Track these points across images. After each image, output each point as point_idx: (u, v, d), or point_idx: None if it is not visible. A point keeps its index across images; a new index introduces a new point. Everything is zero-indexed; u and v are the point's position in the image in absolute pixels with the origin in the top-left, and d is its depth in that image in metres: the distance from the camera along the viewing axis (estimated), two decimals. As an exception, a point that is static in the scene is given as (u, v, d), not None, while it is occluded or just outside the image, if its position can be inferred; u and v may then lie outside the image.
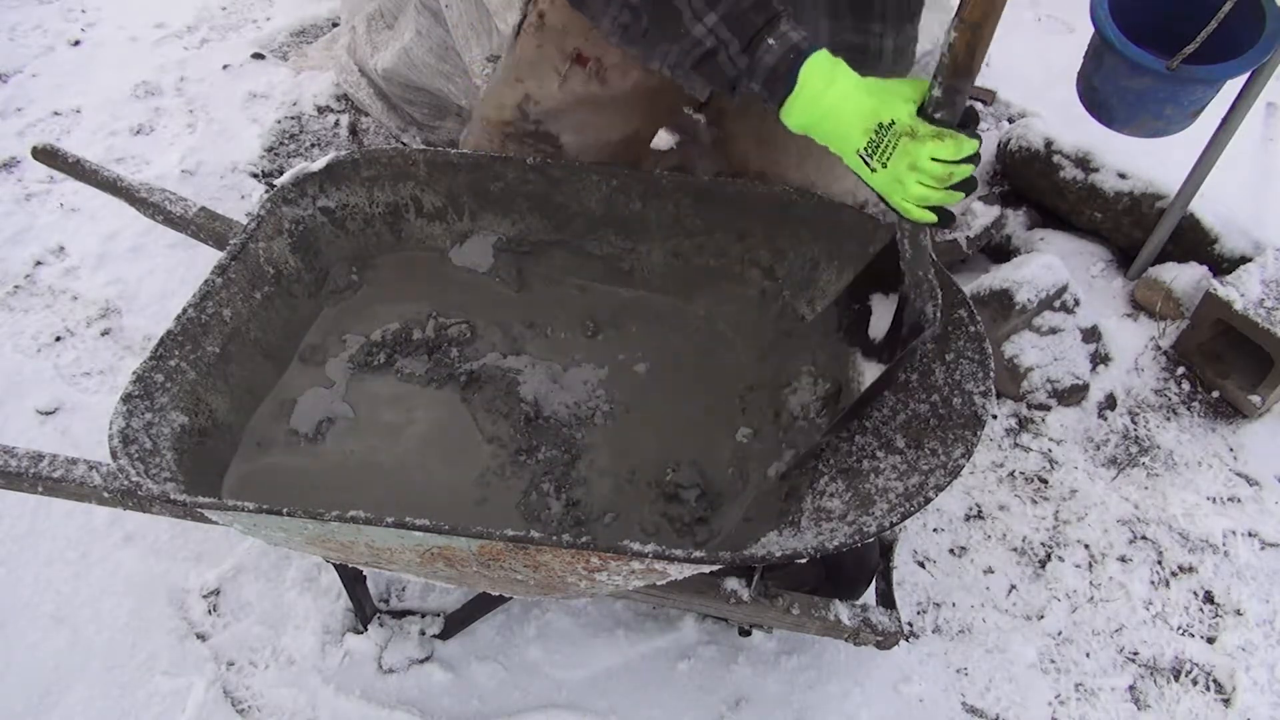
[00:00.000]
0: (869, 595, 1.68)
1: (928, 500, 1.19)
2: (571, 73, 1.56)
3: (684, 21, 1.20)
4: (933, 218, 1.17)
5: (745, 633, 1.82)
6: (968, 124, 1.13)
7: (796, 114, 1.20)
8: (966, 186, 1.15)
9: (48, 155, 1.78)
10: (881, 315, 1.45)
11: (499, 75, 1.69)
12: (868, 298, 1.48)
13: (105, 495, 1.41)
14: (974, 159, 1.14)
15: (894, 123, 1.13)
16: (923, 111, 1.13)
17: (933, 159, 1.12)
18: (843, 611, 1.48)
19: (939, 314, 1.29)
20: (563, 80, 1.57)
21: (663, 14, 1.23)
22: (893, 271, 1.37)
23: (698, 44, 1.22)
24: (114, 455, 1.26)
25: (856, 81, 1.17)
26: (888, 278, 1.43)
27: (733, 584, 1.45)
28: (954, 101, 1.12)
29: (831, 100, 1.17)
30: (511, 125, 1.69)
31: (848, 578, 1.66)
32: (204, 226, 1.78)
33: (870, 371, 1.43)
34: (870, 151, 1.16)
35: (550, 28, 1.56)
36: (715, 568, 1.17)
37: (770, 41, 1.17)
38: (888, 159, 1.15)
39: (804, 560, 1.15)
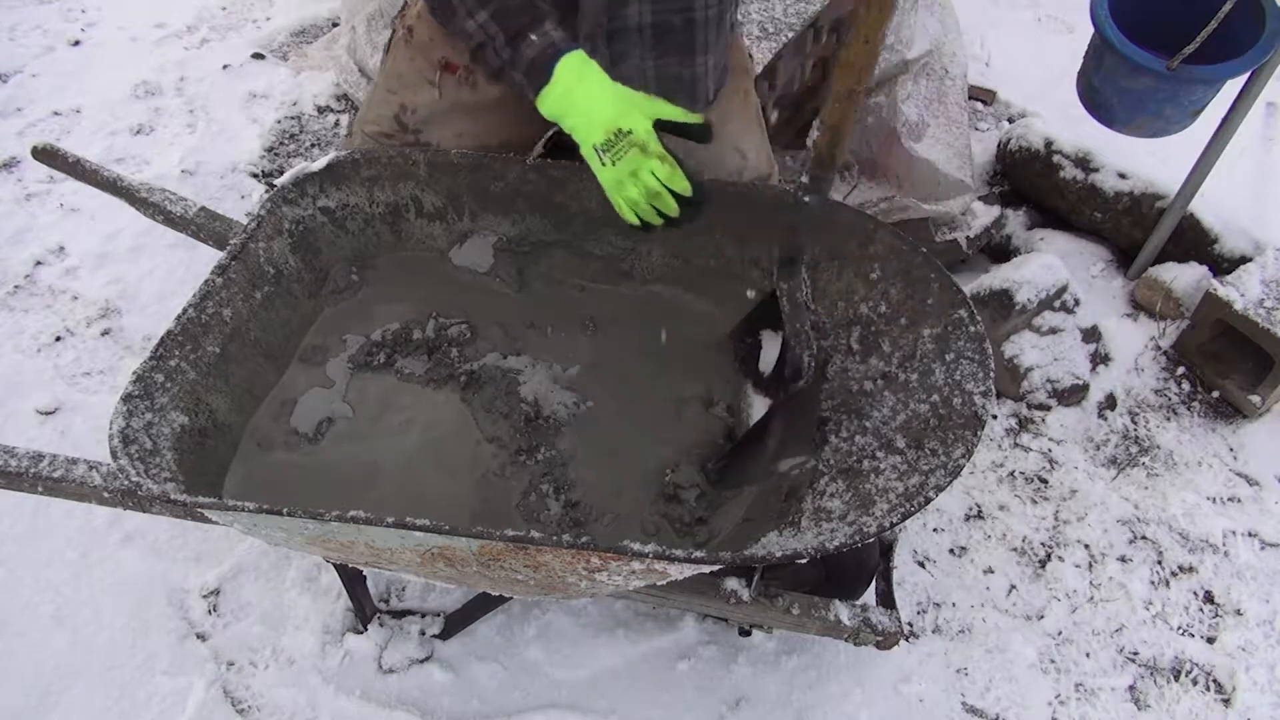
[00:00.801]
0: (869, 595, 1.68)
1: (928, 500, 1.19)
2: (444, 80, 1.66)
3: (459, 18, 1.38)
4: (635, 220, 1.39)
5: (745, 633, 1.82)
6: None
7: (549, 104, 1.36)
8: (669, 217, 1.38)
9: (48, 155, 1.78)
10: (770, 351, 1.58)
11: (373, 90, 1.77)
12: (759, 333, 1.61)
13: (105, 495, 1.41)
14: (686, 201, 1.36)
15: (630, 132, 1.33)
16: (660, 127, 1.35)
17: (652, 173, 1.33)
18: (843, 612, 1.48)
19: (813, 365, 1.44)
20: (437, 88, 1.67)
21: (441, 8, 1.41)
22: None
23: (469, 36, 1.39)
24: (114, 455, 1.26)
25: (605, 85, 1.35)
26: (777, 318, 1.54)
27: (733, 584, 1.45)
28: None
29: (579, 97, 1.34)
30: (391, 136, 1.74)
31: (848, 578, 1.66)
32: (204, 226, 1.78)
33: (759, 404, 1.56)
34: (604, 148, 1.34)
35: (419, 41, 1.65)
36: (715, 568, 1.17)
37: (532, 37, 1.34)
38: (618, 160, 1.34)
39: (804, 560, 1.15)
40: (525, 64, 1.35)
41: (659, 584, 1.31)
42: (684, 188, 1.35)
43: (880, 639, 1.49)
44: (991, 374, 1.33)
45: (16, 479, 1.39)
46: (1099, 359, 2.34)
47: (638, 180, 1.34)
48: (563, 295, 1.78)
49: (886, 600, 1.62)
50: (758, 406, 1.56)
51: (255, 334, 1.60)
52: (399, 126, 1.72)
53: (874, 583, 1.68)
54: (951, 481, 1.22)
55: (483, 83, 1.65)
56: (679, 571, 1.20)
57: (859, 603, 1.54)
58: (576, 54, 1.35)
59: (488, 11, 1.35)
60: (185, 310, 1.48)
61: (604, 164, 1.35)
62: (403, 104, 1.69)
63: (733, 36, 1.69)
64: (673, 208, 1.36)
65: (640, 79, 1.52)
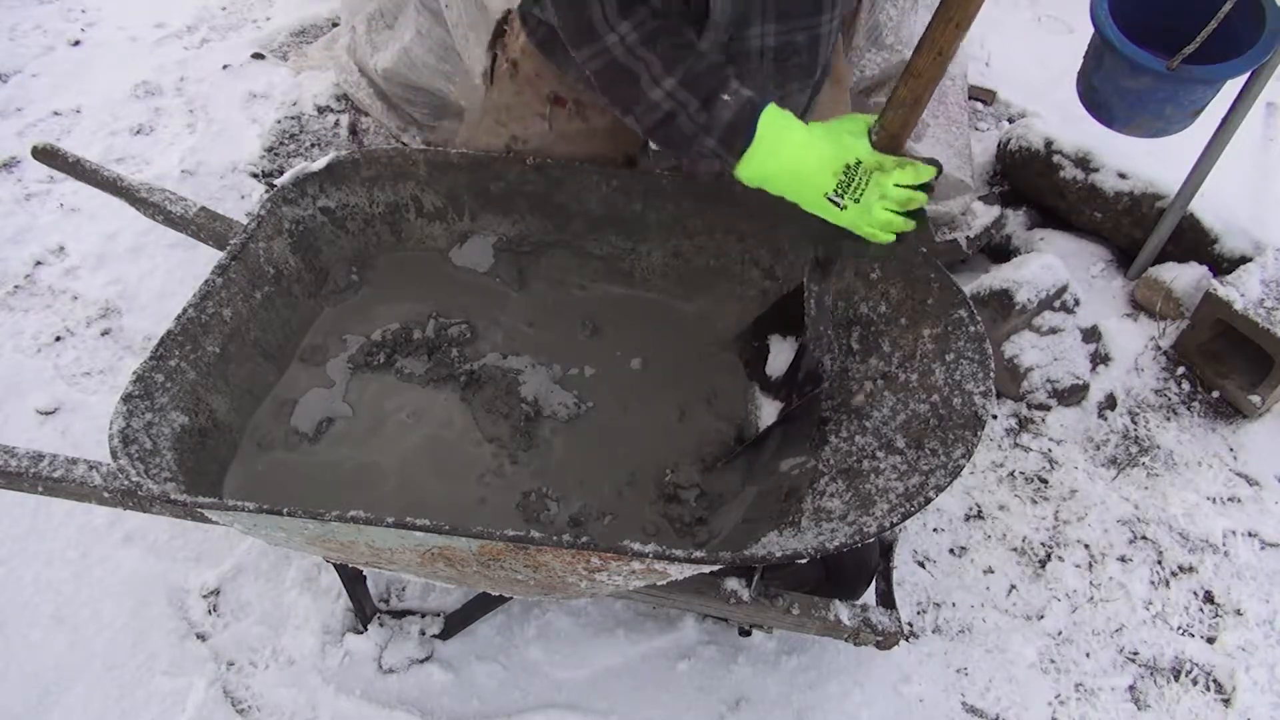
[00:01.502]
0: (869, 595, 1.68)
1: (928, 500, 1.19)
2: (554, 114, 1.65)
3: (641, 86, 1.26)
4: (893, 238, 1.27)
5: (745, 633, 1.82)
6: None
7: (755, 164, 1.25)
8: (918, 212, 1.26)
9: (48, 155, 1.77)
10: (778, 355, 1.57)
11: (480, 118, 1.76)
12: (766, 337, 1.60)
13: (105, 495, 1.41)
14: (929, 186, 1.25)
15: (859, 162, 1.22)
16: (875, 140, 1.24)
17: (897, 185, 1.22)
18: (843, 612, 1.48)
19: (833, 367, 1.43)
20: (548, 121, 1.66)
21: (620, 80, 1.27)
22: (794, 317, 1.50)
23: (655, 107, 1.26)
24: (114, 455, 1.26)
25: (810, 130, 1.24)
26: (788, 322, 1.52)
27: (733, 584, 1.45)
28: (902, 127, 1.22)
29: (790, 150, 1.23)
30: None
31: (848, 578, 1.66)
32: (204, 226, 1.78)
33: (768, 408, 1.55)
34: (840, 192, 1.23)
35: (525, 75, 1.64)
36: (715, 568, 1.17)
37: (726, 98, 1.23)
38: (860, 194, 1.23)
39: (804, 560, 1.15)
40: (723, 127, 1.24)
41: (659, 584, 1.31)
42: (931, 175, 1.24)
43: (880, 639, 1.49)
44: (991, 374, 1.33)
45: (16, 479, 1.39)
46: (1099, 359, 2.34)
47: (886, 199, 1.23)
48: (563, 295, 1.78)
49: (886, 600, 1.62)
50: (766, 409, 1.56)
51: (255, 334, 1.60)
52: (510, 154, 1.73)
53: (874, 583, 1.68)
54: (951, 481, 1.22)
55: (592, 114, 1.65)
56: (679, 571, 1.20)
57: (859, 603, 1.54)
58: (773, 107, 1.24)
59: (676, 78, 1.24)
60: (185, 310, 1.48)
61: (843, 207, 1.24)
62: (514, 135, 1.70)
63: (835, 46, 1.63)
64: (923, 199, 1.25)
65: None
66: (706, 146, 1.26)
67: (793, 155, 1.23)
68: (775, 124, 1.23)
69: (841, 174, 1.23)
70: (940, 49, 1.16)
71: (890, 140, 1.23)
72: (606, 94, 1.32)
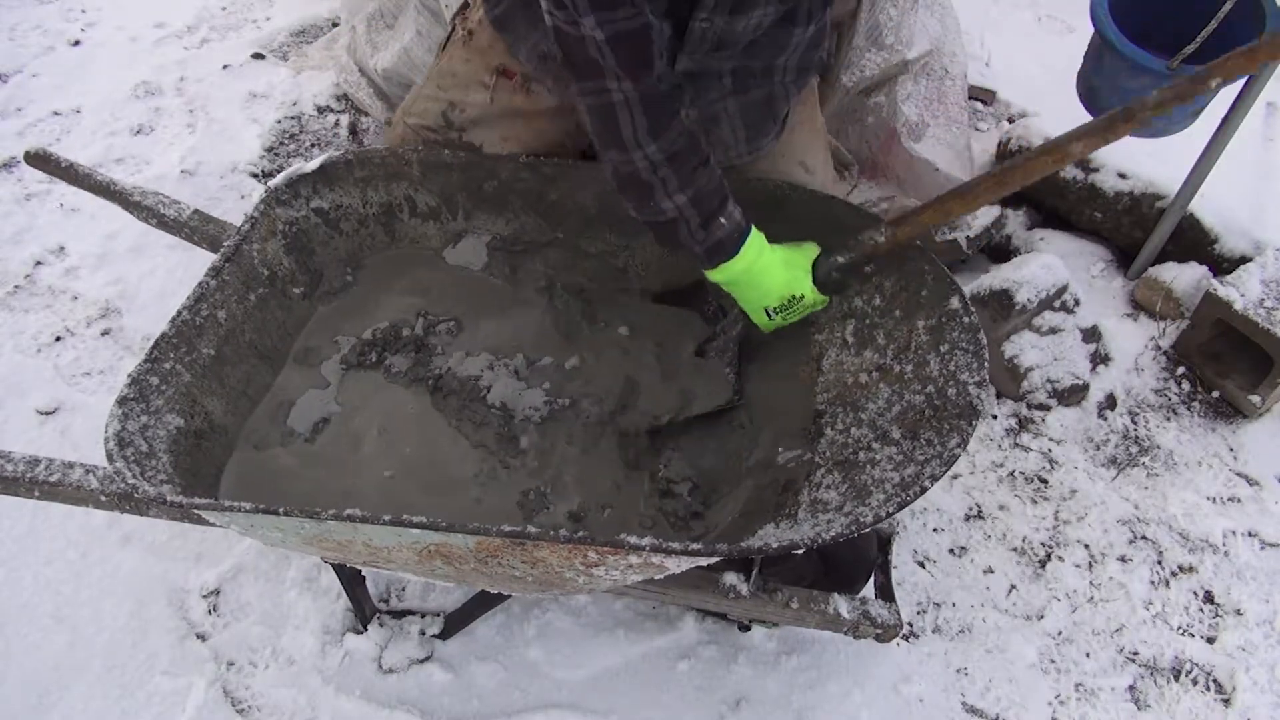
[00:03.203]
0: (868, 590, 1.68)
1: (924, 490, 1.20)
2: (498, 85, 1.67)
3: (655, 196, 1.38)
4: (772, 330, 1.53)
5: (745, 628, 1.82)
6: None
7: (726, 274, 1.44)
8: None
9: (40, 160, 1.77)
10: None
11: (422, 84, 1.77)
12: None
13: (102, 499, 1.41)
14: None
15: (803, 296, 1.46)
16: (820, 267, 1.46)
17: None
18: (842, 605, 1.48)
19: (733, 381, 1.62)
20: (490, 91, 1.67)
21: (636, 187, 1.39)
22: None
23: (662, 213, 1.40)
24: (110, 458, 1.26)
25: (775, 256, 1.45)
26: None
27: (731, 579, 1.46)
28: (853, 273, 1.47)
29: (759, 270, 1.44)
30: (435, 132, 1.75)
31: (846, 572, 1.66)
32: (197, 229, 1.78)
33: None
34: (777, 310, 1.47)
35: (478, 44, 1.66)
36: (713, 560, 1.17)
37: (722, 220, 1.40)
38: (787, 317, 1.49)
39: (801, 551, 1.15)
40: (713, 243, 1.41)
41: (657, 579, 1.31)
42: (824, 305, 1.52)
43: (880, 632, 1.49)
44: (986, 364, 1.33)
45: (12, 484, 1.39)
46: (1099, 359, 2.34)
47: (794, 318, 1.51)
48: (558, 293, 1.78)
49: (885, 593, 1.62)
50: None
51: (250, 335, 1.60)
52: (445, 123, 1.73)
53: (873, 577, 1.68)
54: (947, 471, 1.22)
55: (538, 90, 1.66)
56: (676, 565, 1.20)
57: (858, 596, 1.54)
58: (755, 233, 1.43)
59: (687, 196, 1.37)
60: (180, 313, 1.47)
61: (771, 318, 1.49)
62: (452, 102, 1.70)
63: None
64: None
65: (722, 109, 1.57)
66: (693, 250, 1.43)
67: (759, 275, 1.44)
68: (754, 247, 1.42)
69: (785, 300, 1.46)
70: (975, 205, 1.40)
71: (894, 245, 1.43)
72: (620, 190, 1.44)
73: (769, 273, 1.44)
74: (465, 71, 1.68)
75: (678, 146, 1.35)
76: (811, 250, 1.48)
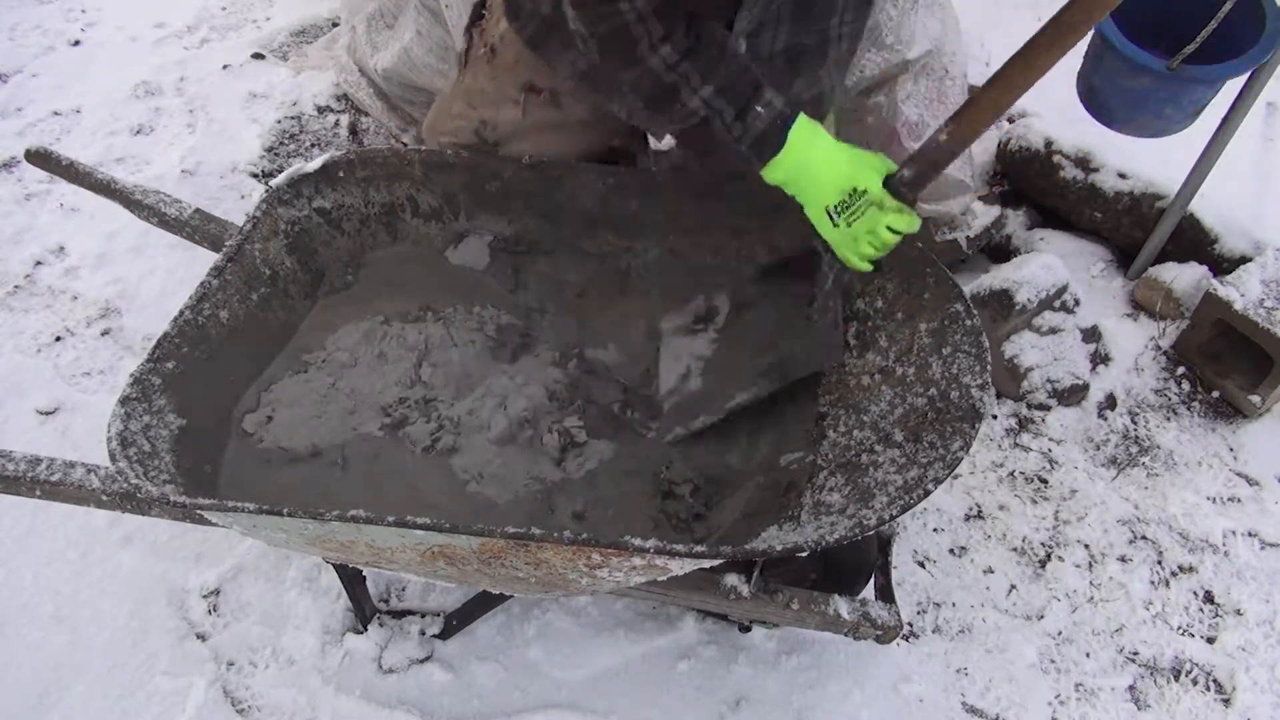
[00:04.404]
0: (868, 592, 1.68)
1: (927, 493, 1.20)
2: (528, 101, 1.65)
3: (681, 95, 1.31)
4: (870, 267, 1.38)
5: (745, 628, 1.82)
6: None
7: (781, 171, 1.34)
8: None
9: (41, 158, 1.77)
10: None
11: (451, 101, 1.76)
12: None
13: (104, 498, 1.41)
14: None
15: (866, 191, 1.31)
16: (888, 183, 1.32)
17: (889, 228, 1.32)
18: (842, 606, 1.48)
19: (840, 344, 1.51)
20: (522, 108, 1.65)
21: (661, 93, 1.33)
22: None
23: (693, 114, 1.32)
24: (113, 458, 1.26)
25: (834, 144, 1.33)
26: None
27: (733, 580, 1.46)
28: (920, 186, 1.32)
29: (814, 160, 1.32)
30: (468, 148, 1.74)
31: (847, 574, 1.66)
32: (199, 228, 1.77)
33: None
34: (839, 210, 1.33)
35: (503, 62, 1.64)
36: (717, 562, 1.18)
37: (759, 109, 1.30)
38: (853, 220, 1.33)
39: (804, 554, 1.15)
40: (755, 136, 1.31)
41: (659, 580, 1.31)
42: (917, 227, 1.35)
43: (880, 633, 1.49)
44: (988, 367, 1.33)
45: (14, 483, 1.39)
46: (1099, 359, 2.34)
47: (875, 236, 1.34)
48: (559, 294, 1.78)
49: (885, 595, 1.62)
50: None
51: (252, 335, 1.60)
52: (478, 139, 1.73)
53: (873, 579, 1.68)
54: (950, 474, 1.22)
55: (569, 103, 1.65)
56: (679, 566, 1.21)
57: (858, 598, 1.54)
58: (803, 118, 1.33)
59: (712, 86, 1.30)
60: (182, 313, 1.47)
61: (836, 224, 1.35)
62: (484, 120, 1.69)
63: None
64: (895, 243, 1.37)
65: None
66: (738, 151, 1.33)
67: (813, 163, 1.32)
68: (804, 135, 1.31)
69: (846, 195, 1.31)
70: (1033, 78, 1.23)
71: (958, 142, 1.29)
72: (648, 106, 1.37)
73: (826, 163, 1.32)
74: (493, 89, 1.67)
75: (690, 42, 1.29)
76: (879, 157, 1.36)
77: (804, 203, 1.36)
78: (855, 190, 1.31)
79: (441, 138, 1.76)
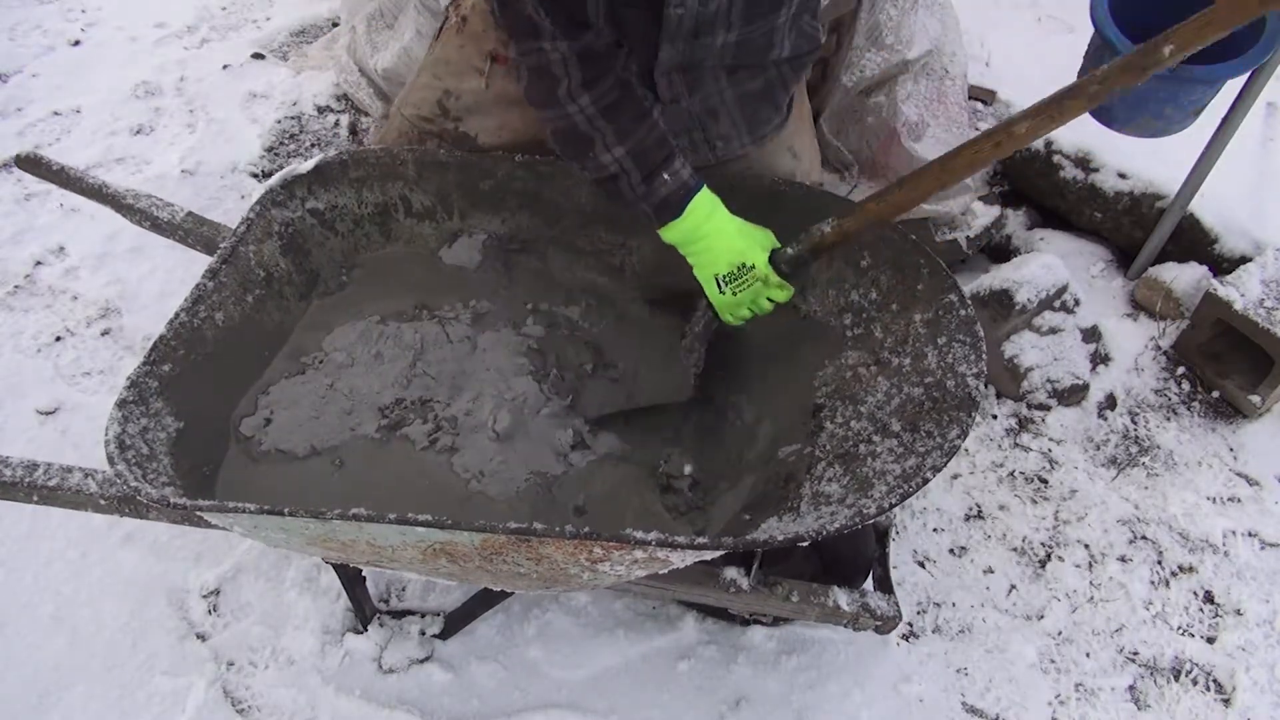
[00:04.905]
0: (867, 586, 1.69)
1: (926, 481, 1.20)
2: (492, 71, 1.66)
3: (595, 149, 1.38)
4: (739, 323, 1.50)
5: (745, 622, 1.82)
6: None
7: (677, 234, 1.43)
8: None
9: (31, 164, 1.76)
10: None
11: (418, 74, 1.76)
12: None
13: (102, 502, 1.40)
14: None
15: (754, 267, 1.42)
16: (772, 259, 1.43)
17: (768, 299, 1.45)
18: (841, 597, 1.48)
19: (694, 382, 1.58)
20: (485, 78, 1.67)
21: (575, 141, 1.41)
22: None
23: (604, 168, 1.40)
24: (111, 461, 1.26)
25: (730, 221, 1.43)
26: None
27: (732, 573, 1.46)
28: (802, 267, 1.44)
29: (709, 231, 1.41)
30: (431, 122, 1.74)
31: (845, 569, 1.66)
32: (191, 231, 1.77)
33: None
34: (727, 280, 1.43)
35: (471, 30, 1.65)
36: (718, 554, 1.18)
37: (665, 176, 1.38)
38: (739, 290, 1.44)
39: (806, 544, 1.15)
40: (658, 200, 1.39)
41: (660, 574, 1.31)
42: (790, 297, 1.47)
43: (879, 623, 1.49)
44: (983, 355, 1.34)
45: (10, 489, 1.39)
46: (1099, 359, 2.34)
47: (756, 305, 1.46)
48: (553, 291, 1.78)
49: (884, 586, 1.62)
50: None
51: (247, 336, 1.59)
52: (441, 111, 1.72)
53: (870, 572, 1.68)
54: (948, 462, 1.22)
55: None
56: (681, 559, 1.21)
57: (857, 590, 1.55)
58: (705, 192, 1.41)
59: (625, 148, 1.37)
60: (178, 315, 1.47)
61: (723, 291, 1.45)
62: (447, 90, 1.70)
63: None
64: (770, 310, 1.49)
65: (720, 102, 1.55)
66: (639, 209, 1.42)
67: (709, 237, 1.42)
68: (703, 207, 1.40)
69: (735, 268, 1.42)
70: (921, 197, 1.36)
71: (840, 237, 1.41)
72: (560, 148, 1.45)
73: (720, 235, 1.41)
74: (459, 58, 1.68)
75: (611, 99, 1.36)
76: (766, 234, 1.46)
77: (695, 265, 1.46)
78: (744, 265, 1.41)
79: (406, 109, 1.77)
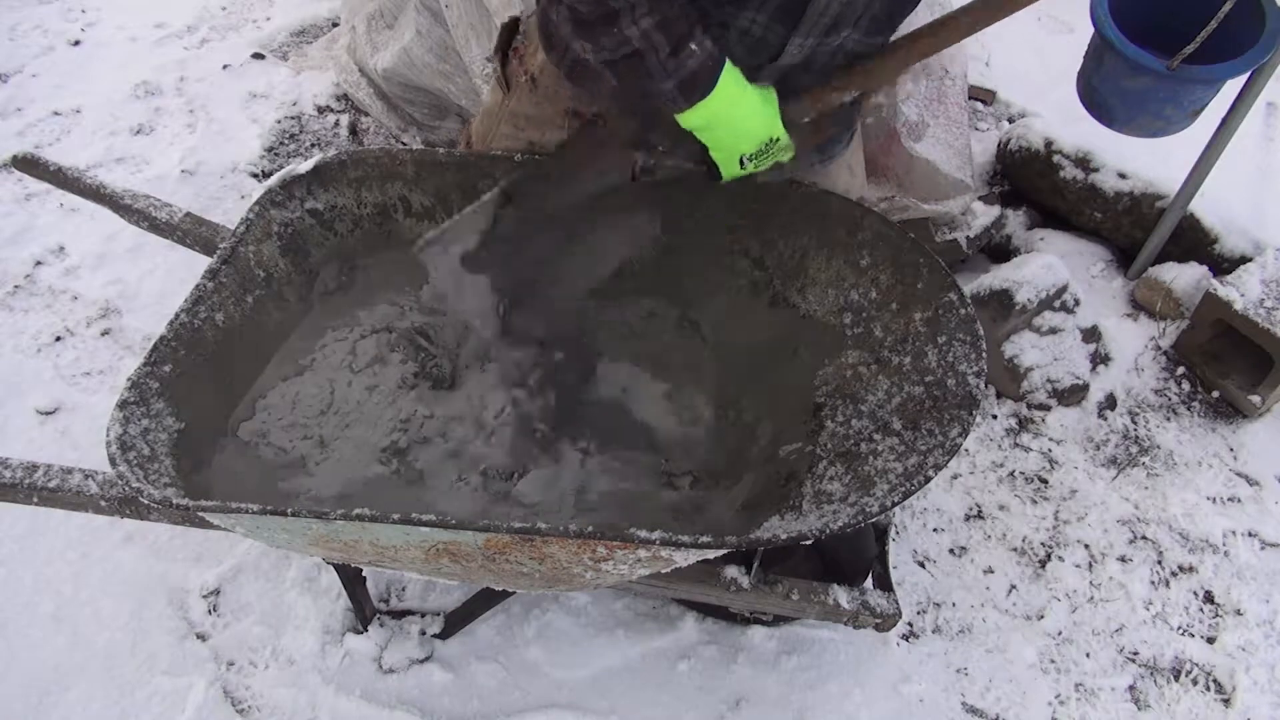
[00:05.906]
0: (866, 584, 1.69)
1: (928, 479, 1.20)
2: (571, 125, 1.63)
3: (620, 23, 1.27)
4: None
5: (745, 622, 1.82)
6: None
7: (702, 112, 1.30)
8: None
9: (29, 164, 1.76)
10: None
11: (495, 123, 1.74)
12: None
13: (102, 504, 1.40)
14: None
15: (779, 139, 1.34)
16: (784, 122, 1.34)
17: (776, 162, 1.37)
18: (841, 595, 1.48)
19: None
20: (567, 131, 1.63)
21: (602, 17, 1.29)
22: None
23: (627, 42, 1.28)
24: (113, 462, 1.26)
25: (754, 92, 1.31)
26: None
27: (733, 572, 1.46)
28: (804, 120, 1.38)
29: (740, 107, 1.30)
30: None
31: (846, 569, 1.66)
32: (190, 232, 1.77)
33: None
34: (752, 157, 1.33)
35: (544, 89, 1.63)
36: (721, 552, 1.18)
37: (693, 46, 1.26)
38: (761, 164, 1.35)
39: (808, 542, 1.15)
40: (686, 74, 1.27)
41: (662, 572, 1.32)
42: (792, 156, 1.39)
43: (879, 620, 1.49)
44: (984, 354, 1.34)
45: (10, 490, 1.39)
46: (1099, 359, 2.34)
47: (764, 172, 1.37)
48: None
49: (883, 584, 1.62)
50: None
51: (247, 337, 1.59)
52: None
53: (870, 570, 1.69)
54: (950, 460, 1.23)
55: (611, 123, 1.61)
56: (684, 558, 1.21)
57: (856, 588, 1.55)
58: (731, 65, 1.30)
59: (654, 20, 1.26)
60: (178, 315, 1.47)
61: (744, 168, 1.35)
62: (531, 141, 1.69)
63: None
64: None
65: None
66: (664, 88, 1.29)
67: (739, 113, 1.30)
68: (735, 81, 1.29)
69: (763, 144, 1.32)
70: (911, 61, 1.34)
71: (799, 114, 1.35)
72: (580, 29, 1.32)
73: (749, 110, 1.31)
74: (538, 114, 1.67)
75: None
76: (774, 92, 1.35)
77: (717, 147, 1.34)
78: (771, 140, 1.33)
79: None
